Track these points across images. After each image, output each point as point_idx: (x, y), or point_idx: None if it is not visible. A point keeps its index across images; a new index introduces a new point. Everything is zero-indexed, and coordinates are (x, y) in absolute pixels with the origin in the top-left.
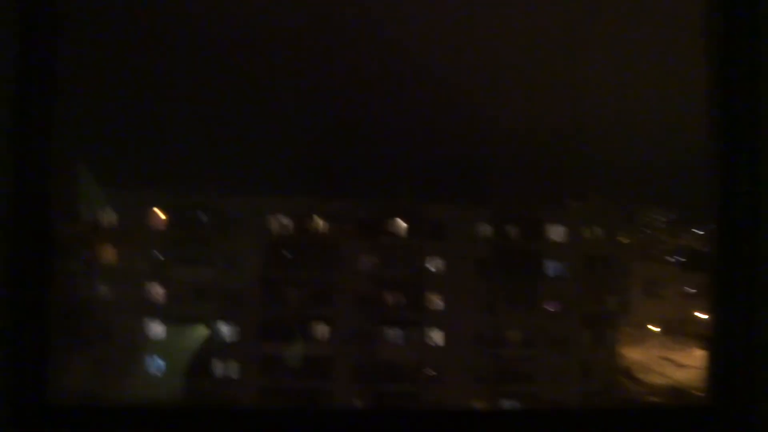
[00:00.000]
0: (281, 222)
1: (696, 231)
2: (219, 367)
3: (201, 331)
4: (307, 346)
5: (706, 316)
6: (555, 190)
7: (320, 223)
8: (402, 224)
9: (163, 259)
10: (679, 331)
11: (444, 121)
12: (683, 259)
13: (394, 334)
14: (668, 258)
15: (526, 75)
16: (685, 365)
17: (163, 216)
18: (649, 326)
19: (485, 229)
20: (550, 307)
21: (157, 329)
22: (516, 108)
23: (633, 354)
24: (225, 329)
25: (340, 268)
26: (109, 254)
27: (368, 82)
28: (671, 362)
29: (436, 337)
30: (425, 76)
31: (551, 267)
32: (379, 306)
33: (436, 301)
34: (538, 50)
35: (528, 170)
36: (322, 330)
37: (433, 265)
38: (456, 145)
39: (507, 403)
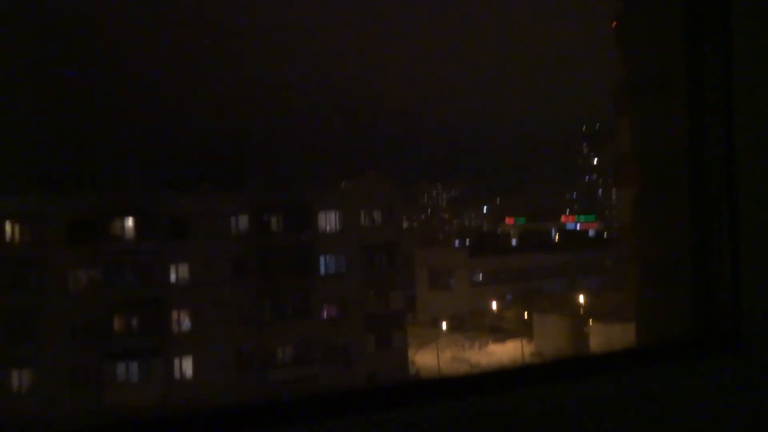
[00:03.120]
0: None
1: (482, 210)
2: None
3: None
4: None
5: (495, 305)
6: (326, 171)
7: (11, 227)
8: (130, 223)
9: None
10: (470, 324)
11: (182, 94)
12: (468, 241)
13: (126, 369)
14: (453, 242)
15: (288, 47)
16: (479, 365)
17: None
18: (440, 322)
19: (241, 222)
20: (328, 312)
21: None
22: (277, 79)
23: (423, 358)
24: None
25: (44, 288)
26: None
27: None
28: (464, 362)
29: (186, 366)
30: (159, 47)
31: (325, 262)
32: (102, 335)
33: (183, 321)
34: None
35: (292, 149)
36: (18, 376)
37: (176, 273)
38: (198, 123)
39: None
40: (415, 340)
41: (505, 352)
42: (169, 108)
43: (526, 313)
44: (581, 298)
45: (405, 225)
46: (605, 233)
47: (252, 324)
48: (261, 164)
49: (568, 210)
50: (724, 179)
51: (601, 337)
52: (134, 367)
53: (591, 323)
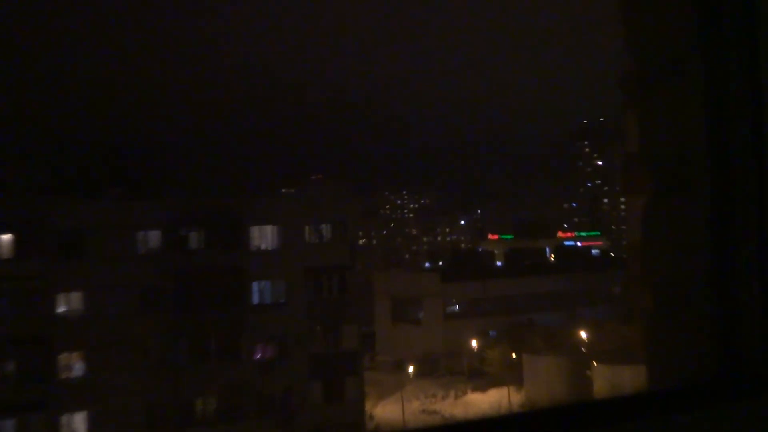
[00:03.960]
0: None
1: (459, 223)
2: None
3: None
4: None
5: (475, 344)
6: (262, 174)
7: None
8: (7, 239)
9: None
10: (444, 368)
11: (81, 78)
12: (442, 263)
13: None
14: (423, 263)
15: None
16: (454, 416)
17: None
18: (406, 365)
19: (152, 239)
20: (261, 354)
21: None
22: (202, 63)
23: (385, 410)
24: None
25: None
26: None
27: None
28: (436, 416)
29: (77, 423)
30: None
31: (259, 290)
32: None
33: (75, 365)
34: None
35: (220, 147)
36: None
37: (67, 303)
38: (101, 114)
39: None
40: (374, 388)
41: (487, 401)
42: (65, 96)
43: (513, 353)
44: (583, 334)
45: (362, 242)
46: (612, 252)
47: (165, 368)
48: (179, 165)
49: (566, 224)
50: (752, 184)
51: (607, 381)
52: (9, 425)
53: (595, 365)
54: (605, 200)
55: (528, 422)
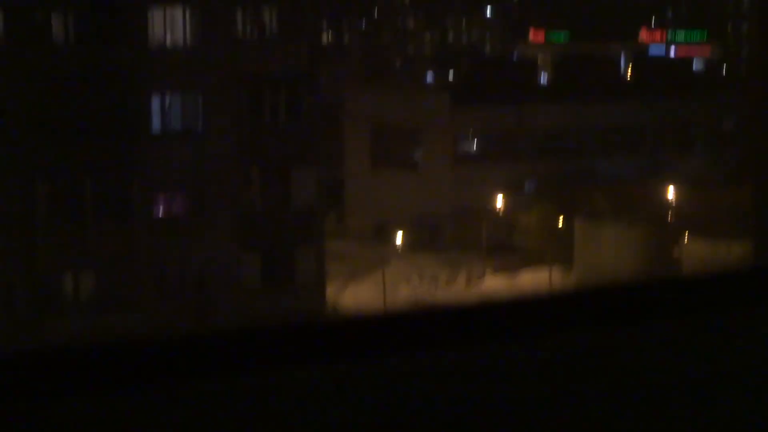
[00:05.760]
0: None
1: (483, 12)
2: None
3: None
4: None
5: (501, 202)
6: None
7: None
8: None
9: None
10: (451, 238)
11: None
12: (453, 74)
13: None
14: (423, 74)
15: None
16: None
17: None
18: (394, 233)
19: None
20: (164, 210)
21: None
22: None
23: (357, 298)
24: None
25: None
26: None
27: None
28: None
29: None
30: None
31: (163, 109)
32: None
33: None
34: None
35: None
36: None
37: None
38: None
39: None
40: (342, 265)
41: (515, 289)
42: None
43: (560, 217)
44: (670, 193)
45: (328, 40)
46: (726, 66)
47: (16, 232)
48: None
49: (653, 18)
50: None
51: (704, 262)
52: None
53: (687, 240)
54: None
55: (582, 302)
